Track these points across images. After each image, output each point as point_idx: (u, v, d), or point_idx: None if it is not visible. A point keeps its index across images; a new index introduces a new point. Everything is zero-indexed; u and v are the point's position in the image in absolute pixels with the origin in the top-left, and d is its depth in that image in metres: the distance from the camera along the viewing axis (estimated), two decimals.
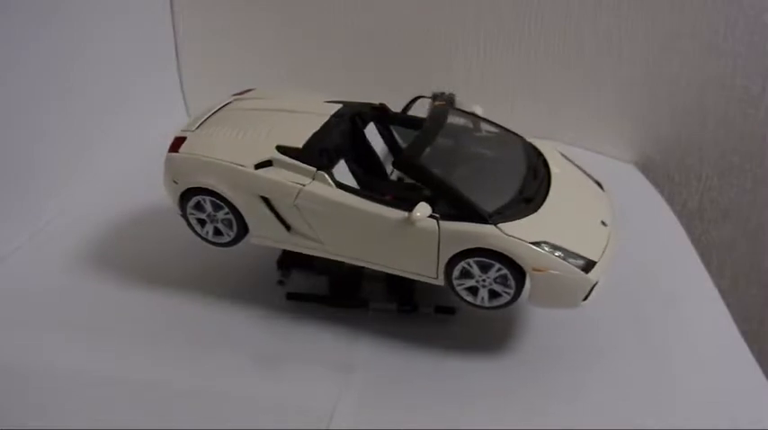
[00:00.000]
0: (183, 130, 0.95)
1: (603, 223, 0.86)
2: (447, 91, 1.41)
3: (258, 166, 0.86)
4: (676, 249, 1.13)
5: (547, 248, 0.79)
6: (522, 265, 0.79)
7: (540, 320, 0.94)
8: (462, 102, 1.41)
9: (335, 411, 0.81)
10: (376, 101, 0.99)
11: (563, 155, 0.95)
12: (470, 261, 0.81)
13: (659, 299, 0.99)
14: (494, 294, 0.82)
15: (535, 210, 0.83)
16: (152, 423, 0.80)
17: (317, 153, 0.87)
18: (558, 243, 0.80)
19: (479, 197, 0.82)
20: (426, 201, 0.80)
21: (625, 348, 0.91)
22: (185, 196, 0.91)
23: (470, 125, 0.95)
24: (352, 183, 0.90)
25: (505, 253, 0.79)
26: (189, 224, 0.94)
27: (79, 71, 1.23)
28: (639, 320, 0.95)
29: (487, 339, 0.92)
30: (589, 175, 0.95)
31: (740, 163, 1.38)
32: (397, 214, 0.81)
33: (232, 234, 0.92)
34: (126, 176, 1.30)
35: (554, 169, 0.91)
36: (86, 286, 1.02)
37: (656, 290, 1.01)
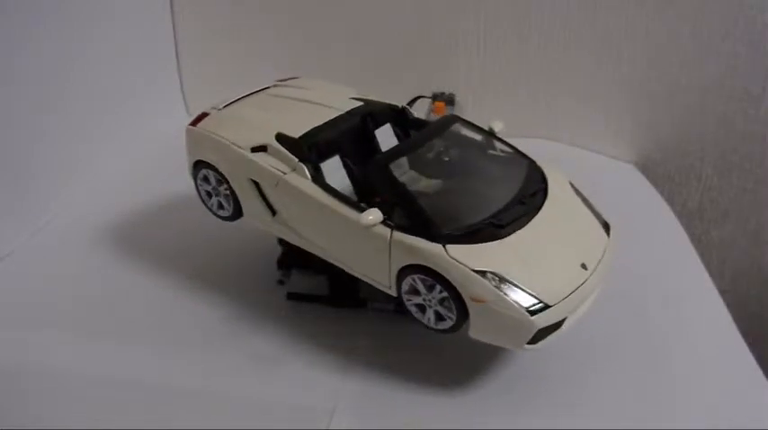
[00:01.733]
0: (210, 107, 1.00)
1: (584, 266, 0.79)
2: (447, 91, 1.41)
3: (254, 150, 0.89)
4: (676, 249, 1.13)
5: (491, 279, 0.74)
6: (461, 292, 0.76)
7: None
8: (462, 102, 1.41)
9: (335, 411, 0.81)
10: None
11: (574, 187, 0.89)
12: (416, 277, 0.78)
13: (659, 299, 0.99)
14: (439, 317, 0.79)
15: (501, 238, 0.78)
16: (152, 423, 0.80)
17: (309, 145, 0.87)
18: (507, 276, 0.75)
19: (440, 214, 0.79)
20: (389, 209, 0.79)
21: (625, 348, 0.91)
22: (196, 168, 0.97)
23: (476, 140, 0.92)
24: (343, 180, 0.89)
25: (444, 275, 0.76)
26: (199, 195, 0.99)
27: (79, 71, 1.23)
28: (639, 320, 0.95)
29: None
30: (597, 215, 0.87)
31: (740, 163, 1.37)
32: (356, 216, 0.80)
33: (230, 209, 0.95)
34: (126, 176, 1.30)
35: (551, 199, 0.84)
36: (86, 286, 1.02)
37: (656, 290, 1.01)
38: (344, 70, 1.45)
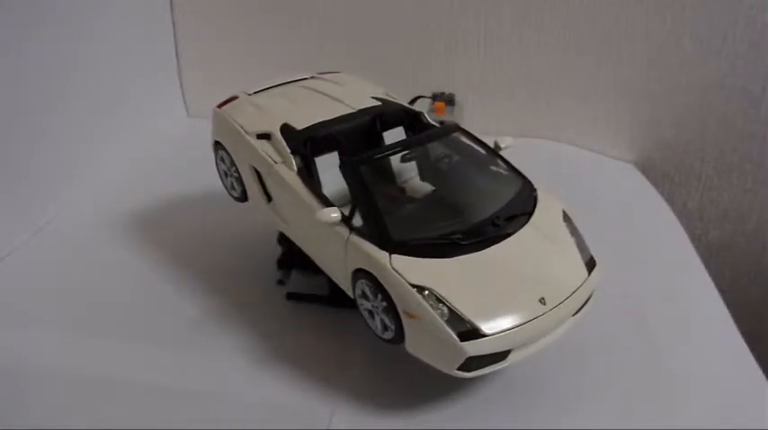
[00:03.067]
0: (241, 91, 1.02)
1: (542, 301, 0.75)
2: (447, 91, 1.41)
3: (259, 137, 0.91)
4: (676, 249, 1.13)
5: (427, 297, 0.72)
6: (396, 304, 0.74)
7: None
8: (462, 102, 1.42)
9: (335, 411, 0.81)
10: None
11: (567, 217, 0.84)
12: (364, 282, 0.78)
13: (659, 299, 0.99)
14: (384, 326, 0.78)
15: (455, 256, 0.76)
16: (151, 423, 0.80)
17: (306, 138, 0.88)
18: (446, 296, 0.72)
19: (400, 223, 0.78)
20: (352, 211, 0.79)
21: (625, 348, 0.91)
22: (216, 148, 1.00)
23: (478, 153, 0.89)
24: (339, 176, 0.89)
25: (383, 284, 0.75)
26: (218, 173, 1.02)
27: (79, 71, 1.23)
28: (639, 320, 0.95)
29: None
30: (583, 250, 0.82)
31: (740, 163, 1.38)
32: (317, 212, 0.80)
33: (239, 191, 0.97)
34: (126, 176, 1.30)
35: (531, 226, 0.81)
36: (86, 286, 1.02)
37: (656, 290, 1.01)
38: (345, 70, 1.45)
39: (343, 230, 0.79)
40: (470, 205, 0.83)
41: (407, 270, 0.74)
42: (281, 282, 0.99)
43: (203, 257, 1.07)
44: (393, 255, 0.75)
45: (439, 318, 0.72)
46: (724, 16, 1.27)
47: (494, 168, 0.88)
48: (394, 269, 0.74)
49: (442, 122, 0.96)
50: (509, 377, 0.86)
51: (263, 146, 0.90)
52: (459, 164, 0.90)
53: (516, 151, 1.40)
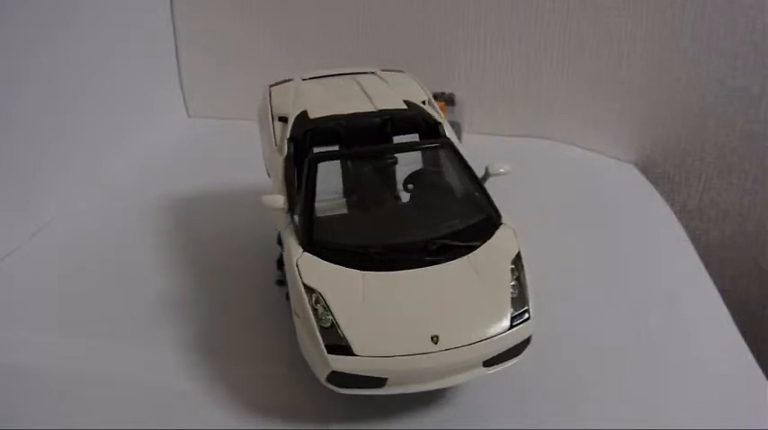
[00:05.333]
0: (297, 75, 1.04)
1: (434, 339, 0.71)
2: (447, 91, 1.41)
3: (280, 119, 0.94)
4: (676, 249, 1.13)
5: (314, 300, 0.72)
6: (290, 299, 0.76)
7: (537, 319, 0.94)
8: (462, 102, 1.41)
9: (335, 411, 0.81)
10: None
11: (519, 262, 0.78)
12: (281, 271, 0.80)
13: (659, 299, 0.99)
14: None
15: (365, 269, 0.75)
16: (151, 423, 0.80)
17: (311, 128, 0.89)
18: (332, 306, 0.72)
19: (329, 223, 0.80)
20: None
21: (625, 348, 0.91)
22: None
23: (451, 174, 0.87)
24: (335, 169, 0.91)
25: (286, 277, 0.76)
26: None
27: (79, 72, 1.23)
28: (639, 320, 0.95)
29: None
30: (519, 302, 0.75)
31: (740, 163, 1.38)
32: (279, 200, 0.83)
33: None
34: (126, 176, 1.30)
35: (466, 262, 0.77)
36: (86, 286, 1.02)
37: (656, 290, 1.01)
38: (344, 71, 1.46)
39: (287, 219, 0.81)
40: (413, 224, 0.81)
41: (308, 270, 0.74)
42: (280, 282, 0.99)
43: (203, 257, 1.07)
44: (305, 253, 0.76)
45: (315, 324, 0.71)
46: (724, 16, 1.27)
47: (462, 194, 0.86)
48: (297, 266, 0.75)
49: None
50: (509, 376, 0.86)
51: (278, 128, 0.93)
52: (427, 181, 0.89)
53: (516, 151, 1.40)
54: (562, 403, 0.83)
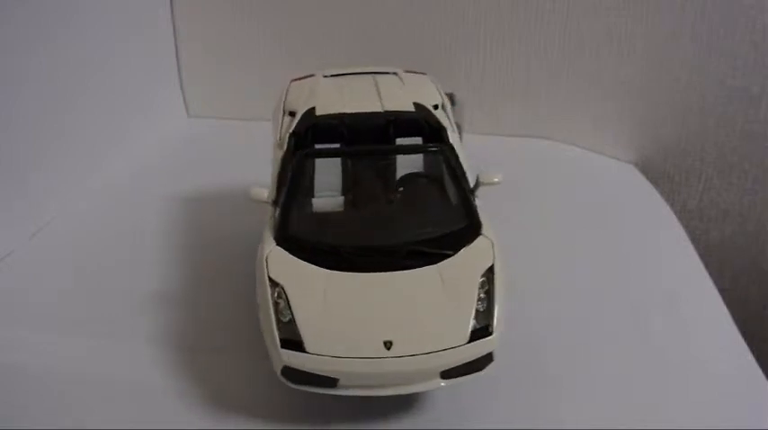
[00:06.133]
0: (319, 71, 1.05)
1: (387, 345, 0.70)
2: (447, 91, 1.41)
3: (290, 114, 0.95)
4: (676, 249, 1.13)
5: (276, 293, 0.73)
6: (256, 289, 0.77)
7: (538, 319, 0.94)
8: (462, 102, 1.41)
9: (335, 411, 0.81)
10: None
11: (491, 276, 0.76)
12: None
13: (659, 299, 0.99)
14: None
15: (332, 268, 0.75)
16: (151, 423, 0.80)
17: (314, 124, 0.90)
18: (292, 301, 0.72)
19: (305, 219, 0.81)
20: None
21: (625, 348, 0.91)
22: None
23: (439, 178, 0.88)
24: (335, 166, 0.90)
25: (256, 269, 0.78)
26: None
27: (79, 72, 1.23)
28: (639, 320, 0.95)
29: None
30: (485, 316, 0.74)
31: (740, 163, 1.38)
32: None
33: None
34: (126, 176, 1.30)
35: (434, 271, 0.76)
36: (86, 286, 1.02)
37: (656, 290, 1.01)
38: (344, 70, 1.46)
39: (272, 213, 0.83)
40: (391, 228, 0.81)
41: (276, 263, 0.76)
42: None
43: (203, 258, 1.07)
44: (277, 247, 0.77)
45: (273, 317, 0.72)
46: (724, 16, 1.27)
47: (447, 201, 0.85)
48: (265, 258, 0.76)
49: None
50: (509, 376, 0.86)
51: (286, 122, 0.94)
52: (417, 185, 0.89)
53: (516, 151, 1.40)
54: (561, 402, 0.83)
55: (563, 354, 0.89)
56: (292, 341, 0.72)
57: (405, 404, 0.81)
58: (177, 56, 1.52)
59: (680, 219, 1.22)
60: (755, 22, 1.26)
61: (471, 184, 0.86)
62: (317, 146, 0.89)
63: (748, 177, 1.38)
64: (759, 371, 0.88)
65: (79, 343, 0.91)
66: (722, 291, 1.02)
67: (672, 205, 1.28)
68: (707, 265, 1.09)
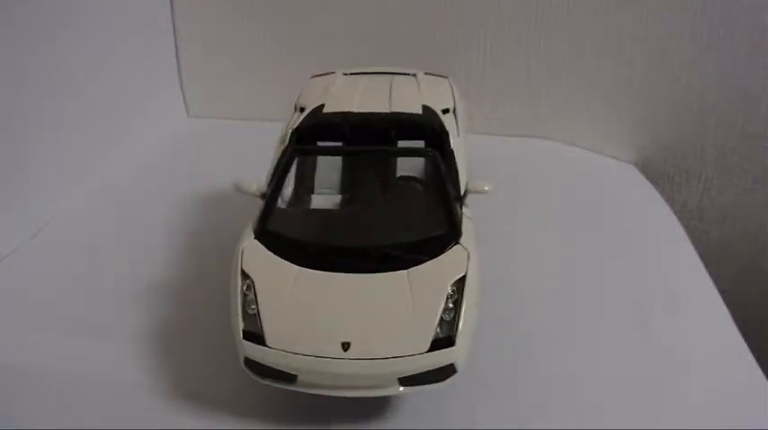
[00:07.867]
0: (341, 70, 1.08)
1: (345, 346, 0.70)
2: None
3: (300, 110, 0.96)
4: (676, 249, 1.13)
5: (246, 286, 0.73)
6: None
7: (538, 318, 0.94)
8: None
9: (334, 411, 0.81)
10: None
11: (460, 287, 0.75)
12: None
13: (659, 299, 0.99)
14: None
15: (303, 266, 0.75)
16: (151, 423, 0.80)
17: (317, 122, 0.91)
18: (258, 294, 0.73)
19: (286, 215, 0.82)
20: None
21: (625, 348, 0.91)
22: None
23: (427, 183, 0.88)
24: (334, 164, 0.92)
25: (232, 260, 0.78)
26: None
27: (80, 72, 1.23)
28: (639, 320, 0.95)
29: (486, 336, 0.91)
30: (449, 326, 0.72)
31: (740, 163, 1.38)
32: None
33: None
34: (126, 176, 1.30)
35: (407, 275, 0.75)
36: (86, 286, 1.02)
37: (656, 290, 1.01)
38: (344, 70, 1.46)
39: (257, 203, 0.84)
40: (369, 230, 0.81)
41: (250, 256, 0.77)
42: None
43: (203, 258, 1.07)
44: (254, 241, 0.78)
45: (240, 308, 0.73)
46: (724, 16, 1.27)
47: (431, 207, 0.84)
48: (242, 250, 0.78)
49: None
50: (509, 376, 0.86)
51: (295, 118, 0.95)
52: (406, 189, 0.90)
53: (517, 151, 1.40)
54: (561, 402, 0.83)
55: (563, 354, 0.89)
56: (254, 334, 0.72)
57: (405, 404, 0.82)
58: (177, 56, 1.52)
59: (680, 219, 1.22)
60: (755, 22, 1.26)
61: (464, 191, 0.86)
62: (320, 143, 0.90)
63: (748, 177, 1.38)
64: (759, 371, 0.88)
65: (79, 343, 0.91)
66: (722, 291, 1.02)
67: (672, 205, 1.28)
68: (707, 265, 1.09)
